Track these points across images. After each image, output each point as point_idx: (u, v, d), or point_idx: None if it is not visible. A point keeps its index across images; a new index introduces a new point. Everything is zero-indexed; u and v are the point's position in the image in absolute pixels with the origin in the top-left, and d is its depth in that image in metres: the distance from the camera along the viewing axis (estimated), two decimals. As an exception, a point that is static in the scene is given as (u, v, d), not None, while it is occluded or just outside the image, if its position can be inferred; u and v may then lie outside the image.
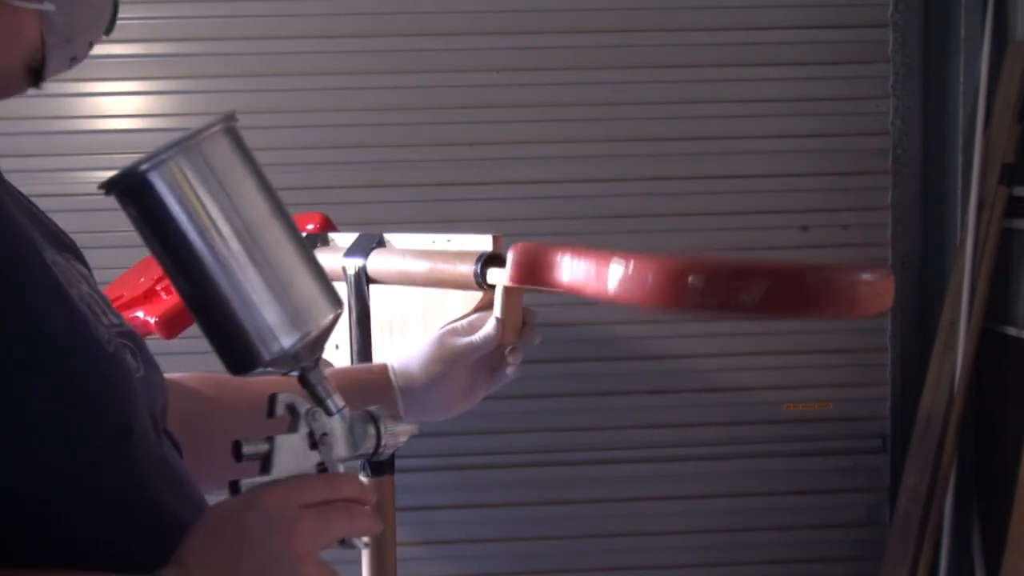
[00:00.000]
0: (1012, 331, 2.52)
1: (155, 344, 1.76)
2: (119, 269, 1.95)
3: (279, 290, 0.75)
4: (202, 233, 0.72)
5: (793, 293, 0.90)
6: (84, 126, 2.58)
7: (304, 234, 1.48)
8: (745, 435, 2.75)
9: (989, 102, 2.57)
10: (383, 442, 0.83)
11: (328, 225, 1.61)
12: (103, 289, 1.85)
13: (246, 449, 0.74)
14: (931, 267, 2.77)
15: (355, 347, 1.38)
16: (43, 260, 0.76)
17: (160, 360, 1.83)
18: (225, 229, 0.73)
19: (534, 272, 1.09)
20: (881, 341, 2.74)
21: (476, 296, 1.23)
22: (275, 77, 2.62)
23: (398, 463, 1.51)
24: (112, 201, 2.40)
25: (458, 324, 1.20)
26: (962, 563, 2.65)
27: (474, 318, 1.21)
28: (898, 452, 2.76)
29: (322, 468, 0.78)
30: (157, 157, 0.72)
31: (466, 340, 1.16)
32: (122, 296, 1.77)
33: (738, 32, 2.68)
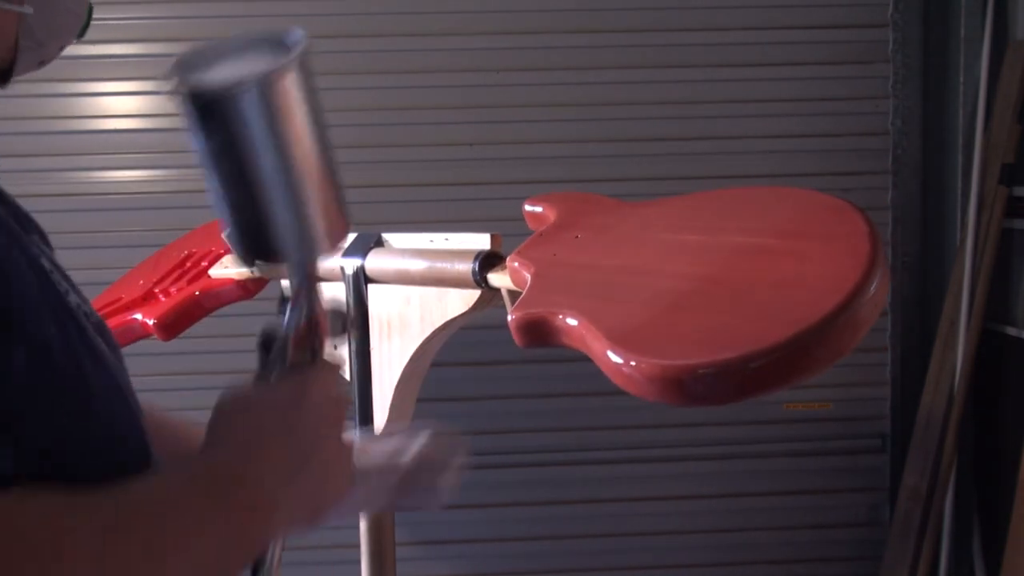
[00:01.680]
0: (1012, 331, 2.52)
1: (155, 344, 1.76)
2: (118, 269, 1.95)
3: (316, 205, 0.80)
4: (273, 149, 0.76)
5: (795, 365, 0.88)
6: (84, 126, 2.58)
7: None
8: (745, 435, 2.75)
9: (989, 102, 2.57)
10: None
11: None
12: (103, 291, 1.85)
13: (267, 327, 0.80)
14: (931, 267, 2.77)
15: (354, 347, 1.38)
16: (51, 282, 0.74)
17: (159, 360, 1.84)
18: (290, 150, 0.77)
19: (538, 338, 1.07)
20: (881, 341, 2.74)
21: (474, 294, 1.23)
22: (275, 77, 2.62)
23: (397, 463, 1.52)
24: (110, 201, 2.41)
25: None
26: (962, 563, 2.65)
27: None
28: (898, 452, 2.76)
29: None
30: (243, 80, 0.73)
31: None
32: (121, 298, 1.76)
33: (738, 32, 2.69)
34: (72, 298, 0.75)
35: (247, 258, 0.83)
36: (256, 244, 0.80)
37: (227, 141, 0.74)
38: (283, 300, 0.84)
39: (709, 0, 2.67)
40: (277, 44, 0.79)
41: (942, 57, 2.72)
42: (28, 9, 0.78)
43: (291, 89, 0.76)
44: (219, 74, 0.75)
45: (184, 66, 0.75)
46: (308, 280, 0.84)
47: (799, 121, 2.71)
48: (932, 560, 2.54)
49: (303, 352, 0.81)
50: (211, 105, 0.73)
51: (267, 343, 0.81)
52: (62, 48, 0.86)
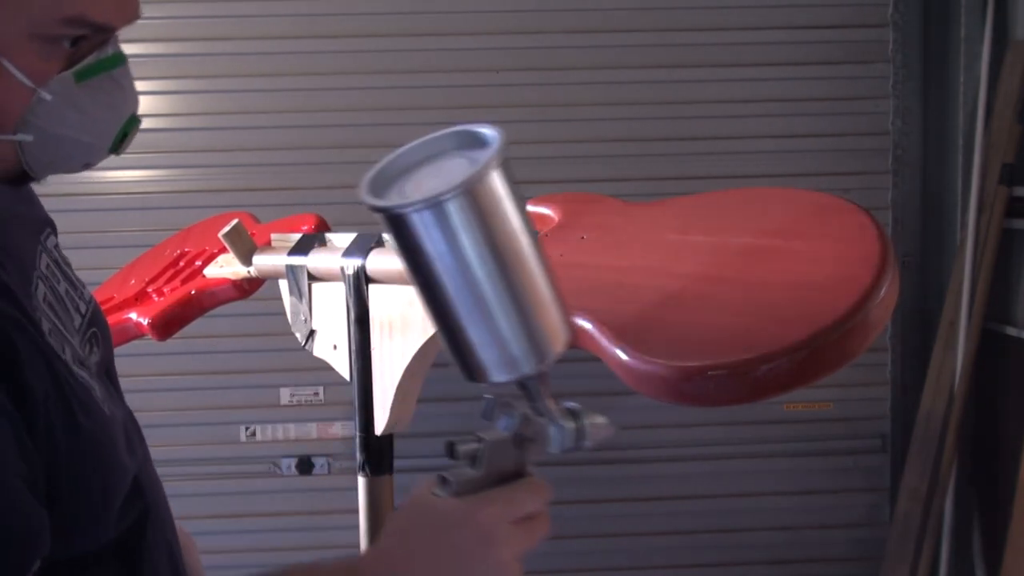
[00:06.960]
0: (1012, 331, 2.52)
1: (153, 344, 1.76)
2: (116, 269, 1.94)
3: (529, 324, 0.71)
4: (489, 256, 0.67)
5: (807, 367, 0.87)
6: (84, 126, 2.57)
7: (300, 235, 1.48)
8: (745, 435, 2.75)
9: (989, 102, 2.56)
10: (585, 440, 0.79)
11: (323, 226, 1.60)
12: (94, 291, 1.84)
13: (461, 448, 0.75)
14: (931, 267, 2.77)
15: (354, 347, 1.38)
16: (68, 368, 0.77)
17: (158, 360, 1.83)
18: (490, 265, 0.68)
19: None
20: (881, 341, 2.74)
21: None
22: (275, 77, 2.62)
23: (398, 463, 1.51)
24: (108, 201, 2.40)
25: None
26: (962, 563, 2.65)
27: None
28: (898, 452, 2.76)
29: (520, 465, 0.77)
30: (438, 196, 0.65)
31: None
32: (113, 298, 1.75)
33: (738, 32, 2.68)
34: (68, 351, 0.77)
35: (473, 380, 0.73)
36: (475, 366, 0.72)
37: (438, 253, 0.66)
38: (491, 402, 0.76)
39: (709, 0, 2.67)
40: (468, 141, 0.71)
41: (942, 57, 2.72)
42: (26, 137, 0.78)
43: (496, 189, 0.66)
44: (419, 186, 0.67)
45: (376, 184, 0.68)
46: (538, 388, 0.75)
47: (799, 121, 2.71)
48: (932, 560, 2.53)
49: (504, 463, 0.75)
50: (411, 222, 0.65)
51: (462, 448, 0.75)
52: (88, 166, 0.85)
